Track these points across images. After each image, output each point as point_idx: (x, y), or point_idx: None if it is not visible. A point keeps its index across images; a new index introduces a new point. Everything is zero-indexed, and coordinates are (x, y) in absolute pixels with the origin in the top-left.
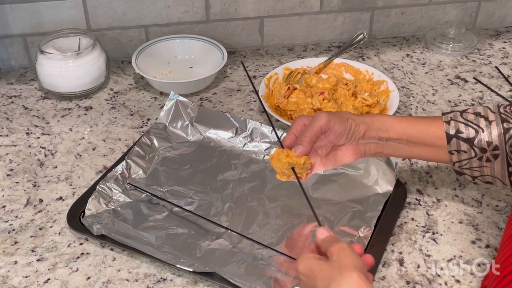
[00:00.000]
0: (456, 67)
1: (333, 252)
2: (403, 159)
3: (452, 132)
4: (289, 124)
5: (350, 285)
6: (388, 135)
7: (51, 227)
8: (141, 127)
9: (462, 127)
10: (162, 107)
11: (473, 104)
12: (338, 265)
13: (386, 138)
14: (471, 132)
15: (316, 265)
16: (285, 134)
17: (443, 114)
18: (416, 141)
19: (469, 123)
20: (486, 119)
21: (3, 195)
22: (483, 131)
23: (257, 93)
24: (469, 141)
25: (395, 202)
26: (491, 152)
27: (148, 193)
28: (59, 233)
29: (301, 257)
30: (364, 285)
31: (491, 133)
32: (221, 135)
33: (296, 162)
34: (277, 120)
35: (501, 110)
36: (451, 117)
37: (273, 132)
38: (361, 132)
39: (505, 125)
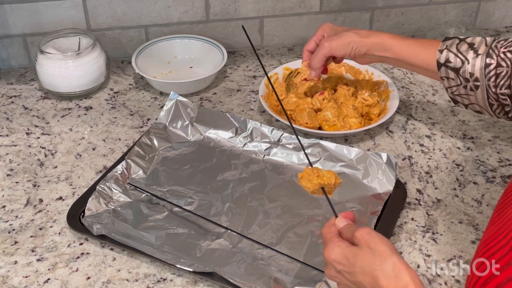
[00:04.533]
0: None
1: (360, 238)
2: (403, 159)
3: (442, 60)
4: (289, 124)
5: (396, 271)
6: (386, 54)
7: (51, 227)
8: (141, 127)
9: (451, 57)
10: (162, 107)
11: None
12: (374, 252)
13: (385, 57)
14: (458, 63)
15: (350, 252)
16: (285, 134)
17: (446, 38)
18: (410, 63)
19: (459, 54)
20: (476, 51)
21: (3, 195)
22: (468, 63)
23: (265, 73)
24: (456, 70)
25: (395, 202)
26: (473, 83)
27: (148, 193)
28: (59, 233)
29: (330, 245)
30: (406, 268)
31: (474, 65)
32: (221, 135)
33: (327, 182)
34: (277, 120)
35: (493, 44)
36: (447, 45)
37: (273, 132)
38: (362, 51)
39: (487, 60)
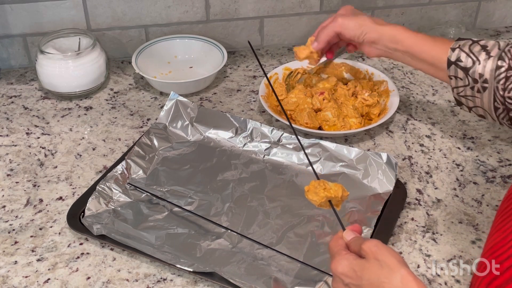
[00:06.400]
0: None
1: (367, 251)
2: (403, 159)
3: (453, 59)
4: (289, 124)
5: (404, 284)
6: (396, 46)
7: (51, 227)
8: (141, 127)
9: (463, 56)
10: (162, 107)
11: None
12: (382, 264)
13: (394, 48)
14: (469, 62)
15: (357, 265)
16: (285, 134)
17: (459, 38)
18: (419, 57)
19: (471, 54)
20: (488, 53)
21: (3, 195)
22: (479, 64)
23: (270, 84)
24: (465, 69)
25: (395, 202)
26: (481, 84)
27: (148, 193)
28: (59, 233)
29: (338, 258)
30: (414, 280)
31: (485, 67)
32: (221, 135)
33: (334, 195)
34: (277, 120)
35: (506, 48)
36: (459, 45)
37: (273, 132)
38: (371, 38)
39: (499, 62)
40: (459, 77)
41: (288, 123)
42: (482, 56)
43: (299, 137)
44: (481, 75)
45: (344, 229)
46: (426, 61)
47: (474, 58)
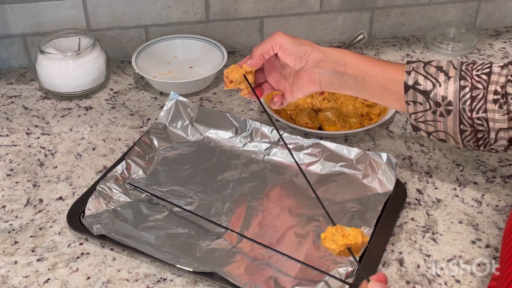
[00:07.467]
0: None
1: None
2: (403, 159)
3: (410, 82)
4: (289, 124)
5: None
6: (345, 69)
7: (51, 227)
8: (141, 127)
9: (421, 79)
10: (162, 107)
11: None
12: None
13: (343, 73)
14: (428, 85)
15: None
16: (285, 135)
17: (408, 62)
18: (372, 81)
19: (429, 76)
20: (446, 74)
21: (3, 195)
22: (440, 86)
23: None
24: (426, 93)
25: (395, 202)
26: (445, 107)
27: (148, 193)
28: (59, 233)
29: None
30: None
31: (447, 88)
32: (221, 135)
33: (354, 241)
34: (277, 120)
35: (463, 67)
36: (413, 67)
37: (274, 131)
38: (315, 59)
39: (461, 82)
40: (419, 101)
41: (276, 120)
42: (441, 77)
43: (283, 135)
44: (444, 98)
45: (368, 280)
46: (379, 85)
47: (434, 80)
